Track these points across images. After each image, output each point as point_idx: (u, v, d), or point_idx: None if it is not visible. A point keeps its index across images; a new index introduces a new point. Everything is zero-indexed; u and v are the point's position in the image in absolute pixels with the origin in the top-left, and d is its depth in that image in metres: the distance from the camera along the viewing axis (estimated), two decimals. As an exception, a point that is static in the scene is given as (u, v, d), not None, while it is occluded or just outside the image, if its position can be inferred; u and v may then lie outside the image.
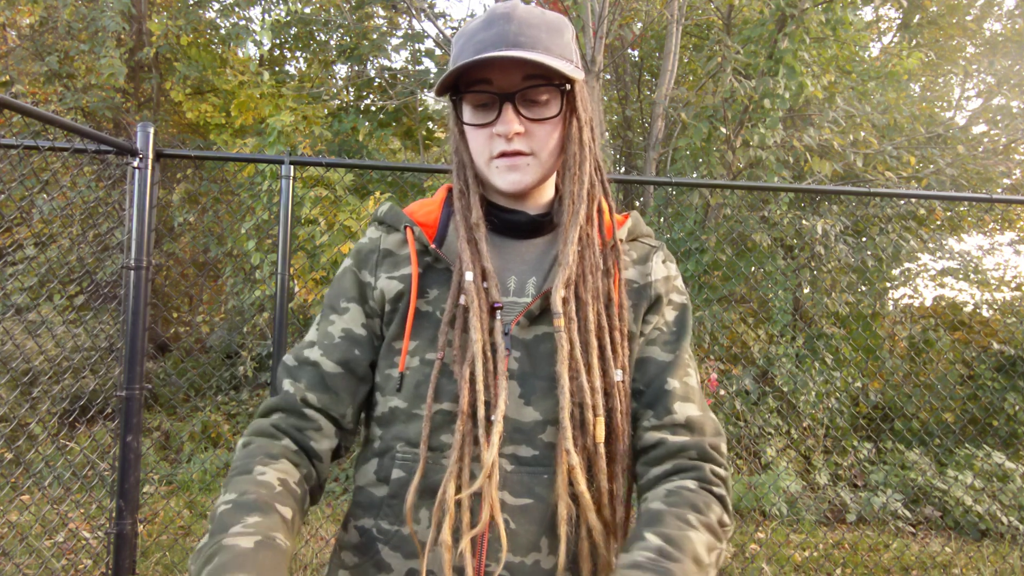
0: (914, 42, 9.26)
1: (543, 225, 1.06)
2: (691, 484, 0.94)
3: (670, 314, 1.06)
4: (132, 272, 2.34)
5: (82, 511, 4.33)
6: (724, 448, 1.00)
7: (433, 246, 1.02)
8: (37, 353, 4.70)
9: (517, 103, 0.97)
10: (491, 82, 0.96)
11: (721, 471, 0.97)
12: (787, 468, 5.46)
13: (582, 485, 0.93)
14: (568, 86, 1.00)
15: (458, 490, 0.91)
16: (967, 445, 5.69)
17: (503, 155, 0.98)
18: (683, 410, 0.99)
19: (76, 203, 4.30)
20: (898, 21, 9.92)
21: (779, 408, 5.84)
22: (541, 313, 0.99)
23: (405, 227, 1.04)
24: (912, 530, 5.12)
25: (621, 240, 1.06)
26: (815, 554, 4.52)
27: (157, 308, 6.38)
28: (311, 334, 1.06)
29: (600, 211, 1.06)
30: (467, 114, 1.01)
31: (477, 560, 0.92)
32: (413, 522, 0.94)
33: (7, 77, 7.96)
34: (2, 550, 3.49)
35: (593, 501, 0.94)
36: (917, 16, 9.26)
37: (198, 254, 7.90)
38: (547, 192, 1.08)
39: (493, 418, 0.92)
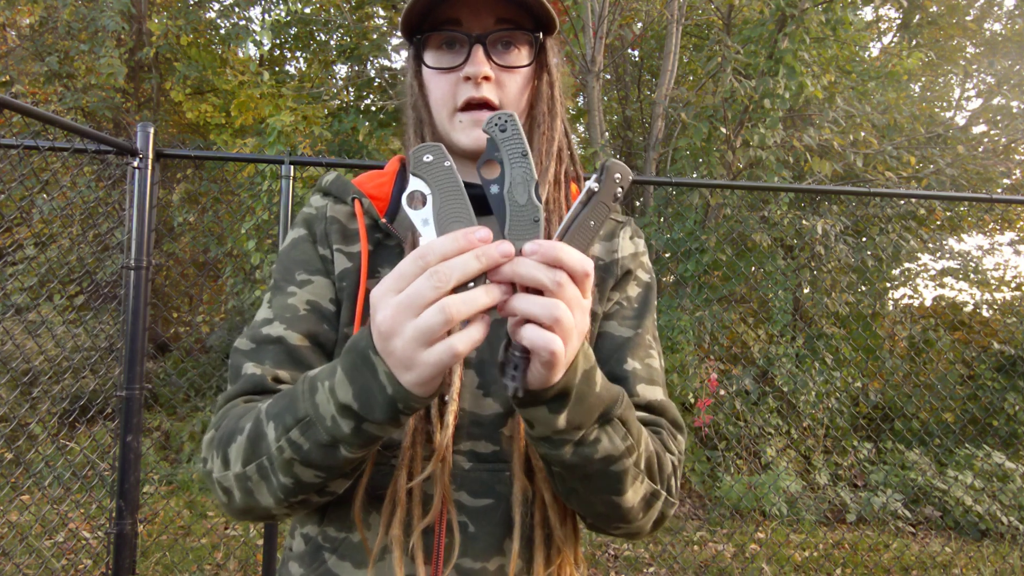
0: (914, 42, 9.26)
1: None
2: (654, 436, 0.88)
3: (633, 290, 0.99)
4: (132, 272, 2.34)
5: (82, 511, 4.32)
6: (683, 441, 0.92)
7: (384, 220, 0.93)
8: (37, 353, 4.70)
9: (488, 47, 0.90)
10: (460, 23, 0.90)
11: (675, 449, 0.88)
12: (787, 468, 5.46)
13: (540, 461, 0.83)
14: (541, 36, 0.94)
15: (409, 480, 0.83)
16: (967, 445, 5.69)
17: (468, 106, 0.90)
18: (645, 393, 0.91)
19: (76, 203, 4.30)
20: (898, 21, 9.92)
21: (779, 408, 5.84)
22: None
23: (353, 199, 0.94)
24: (912, 530, 5.12)
25: None
26: (815, 554, 4.52)
27: (157, 308, 6.38)
28: (263, 312, 0.91)
29: (567, 178, 0.98)
30: (430, 58, 0.93)
31: (434, 566, 0.84)
32: (363, 526, 0.85)
33: (7, 77, 7.96)
34: (2, 550, 3.49)
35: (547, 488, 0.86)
36: (917, 16, 9.26)
37: (198, 254, 7.89)
38: None
39: (447, 399, 0.84)
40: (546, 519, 0.87)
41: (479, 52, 0.89)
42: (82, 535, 4.07)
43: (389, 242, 0.93)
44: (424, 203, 0.64)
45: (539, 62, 0.95)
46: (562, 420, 0.69)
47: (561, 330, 0.60)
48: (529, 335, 0.61)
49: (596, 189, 0.66)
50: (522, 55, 0.93)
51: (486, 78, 0.89)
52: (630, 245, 1.01)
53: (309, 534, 0.90)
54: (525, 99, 0.94)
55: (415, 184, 0.64)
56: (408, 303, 0.59)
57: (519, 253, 0.61)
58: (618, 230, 1.01)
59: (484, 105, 0.90)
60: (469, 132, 0.91)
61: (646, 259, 1.03)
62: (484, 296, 0.59)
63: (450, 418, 0.83)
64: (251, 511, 0.80)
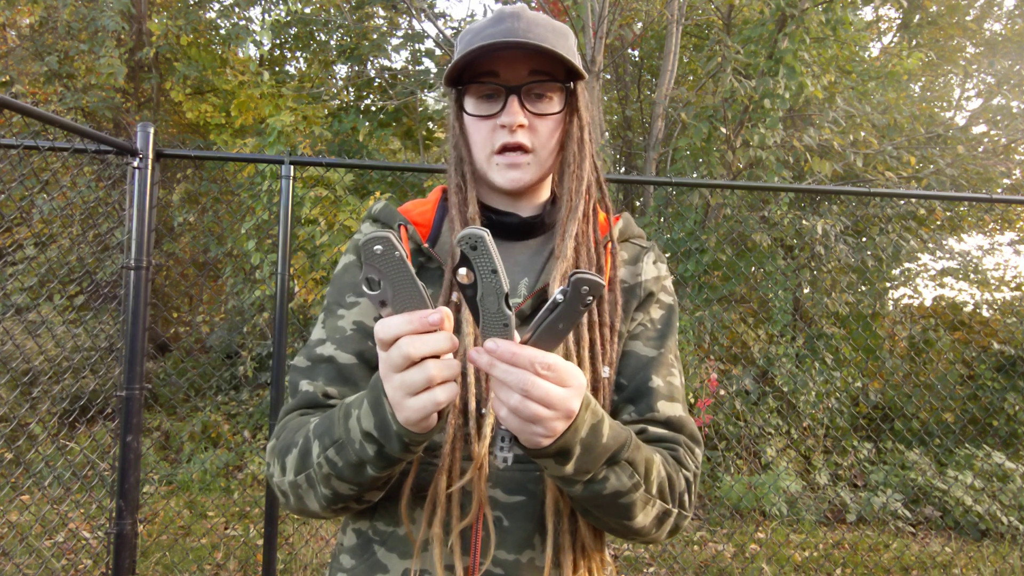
0: (914, 42, 9.26)
1: (535, 227, 1.06)
2: (668, 455, 0.96)
3: (656, 312, 1.07)
4: (132, 272, 2.34)
5: (82, 511, 4.32)
6: (699, 454, 1.00)
7: (426, 245, 1.02)
8: (37, 353, 4.70)
9: (522, 96, 0.98)
10: (498, 75, 0.98)
11: (691, 465, 0.96)
12: (787, 468, 5.46)
13: None
14: (572, 85, 1.02)
15: (449, 484, 0.91)
16: (967, 445, 5.69)
17: (504, 149, 0.99)
18: (665, 410, 0.99)
19: (76, 203, 4.30)
20: (898, 21, 9.92)
21: (779, 408, 5.84)
22: (532, 313, 0.99)
23: (399, 225, 1.04)
24: (912, 530, 5.12)
25: (613, 239, 1.07)
26: (815, 554, 4.52)
27: (157, 308, 6.38)
28: (317, 332, 1.03)
29: (595, 211, 1.07)
30: (471, 106, 1.01)
31: (472, 558, 0.92)
32: (408, 521, 0.94)
33: (7, 77, 7.96)
34: (2, 550, 3.49)
35: None
36: (917, 16, 9.26)
37: (198, 254, 7.90)
38: (542, 193, 1.09)
39: (484, 411, 0.92)
40: (573, 515, 0.96)
41: (514, 103, 0.97)
42: (82, 535, 4.07)
43: (431, 265, 1.02)
44: (379, 287, 0.70)
45: (570, 107, 1.03)
46: (569, 468, 0.80)
47: (522, 415, 0.71)
48: (502, 415, 0.74)
49: (560, 301, 0.71)
50: (554, 102, 1.01)
51: (520, 125, 0.98)
52: (653, 269, 1.09)
53: (361, 528, 1.00)
54: (556, 140, 1.03)
55: (368, 271, 0.70)
56: (388, 362, 0.71)
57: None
58: (642, 255, 1.10)
59: (518, 148, 0.99)
60: (504, 173, 1.00)
61: (668, 283, 1.11)
62: (459, 366, 0.72)
63: (487, 430, 0.92)
64: (303, 511, 0.93)
